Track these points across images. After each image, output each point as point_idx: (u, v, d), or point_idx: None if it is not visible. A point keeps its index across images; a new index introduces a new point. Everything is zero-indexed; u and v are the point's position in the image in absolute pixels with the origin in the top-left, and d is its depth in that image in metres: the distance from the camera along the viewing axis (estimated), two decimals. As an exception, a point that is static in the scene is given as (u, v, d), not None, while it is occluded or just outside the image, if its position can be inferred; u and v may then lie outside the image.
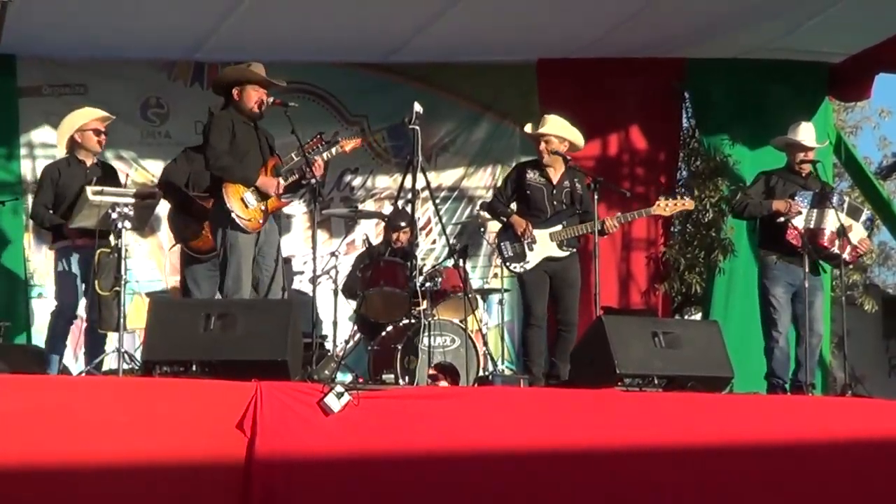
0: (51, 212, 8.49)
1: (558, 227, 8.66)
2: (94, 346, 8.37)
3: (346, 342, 9.07)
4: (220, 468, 6.22)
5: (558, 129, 8.74)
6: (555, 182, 8.72)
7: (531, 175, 8.73)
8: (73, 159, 8.58)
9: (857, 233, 8.91)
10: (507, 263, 8.70)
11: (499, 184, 9.74)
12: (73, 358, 9.26)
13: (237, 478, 6.21)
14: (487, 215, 9.61)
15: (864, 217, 9.08)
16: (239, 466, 6.21)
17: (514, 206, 8.82)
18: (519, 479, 6.60)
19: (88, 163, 8.57)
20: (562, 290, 8.66)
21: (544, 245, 8.64)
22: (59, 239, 8.49)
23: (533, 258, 8.62)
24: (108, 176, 8.64)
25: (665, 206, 8.90)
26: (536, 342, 8.64)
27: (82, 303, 8.39)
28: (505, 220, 8.77)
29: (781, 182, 9.02)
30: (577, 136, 8.81)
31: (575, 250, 8.70)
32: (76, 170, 8.53)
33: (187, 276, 8.73)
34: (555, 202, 8.69)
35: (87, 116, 8.57)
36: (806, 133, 9.05)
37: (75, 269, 8.34)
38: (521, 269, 8.62)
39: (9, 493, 5.94)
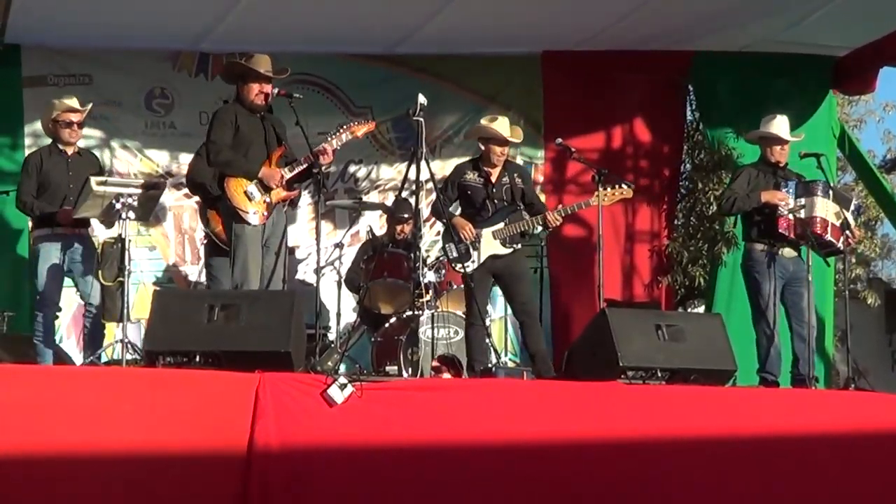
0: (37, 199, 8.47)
1: (500, 225, 8.63)
2: (95, 337, 8.37)
3: (349, 333, 9.07)
4: (222, 459, 6.22)
5: (519, 135, 8.82)
6: (493, 180, 8.71)
7: (470, 175, 8.73)
8: (55, 148, 8.56)
9: (850, 221, 8.90)
10: (454, 264, 8.65)
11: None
12: (77, 348, 9.27)
13: (239, 468, 6.22)
14: None
15: (852, 206, 9.07)
16: (241, 457, 6.22)
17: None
18: (521, 471, 6.60)
19: (69, 151, 8.54)
20: (512, 286, 8.63)
21: (488, 244, 8.61)
22: (39, 226, 8.45)
23: (478, 257, 8.60)
24: (87, 165, 8.57)
25: (604, 196, 8.81)
26: (476, 340, 8.55)
27: (65, 293, 8.35)
28: (447, 222, 8.77)
29: (763, 174, 9.01)
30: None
31: (519, 246, 8.68)
32: (57, 158, 8.50)
33: (214, 265, 8.73)
34: (495, 200, 8.68)
35: (57, 108, 8.53)
36: (780, 126, 9.02)
37: (57, 258, 8.30)
38: (467, 270, 8.60)
39: (10, 482, 5.95)
